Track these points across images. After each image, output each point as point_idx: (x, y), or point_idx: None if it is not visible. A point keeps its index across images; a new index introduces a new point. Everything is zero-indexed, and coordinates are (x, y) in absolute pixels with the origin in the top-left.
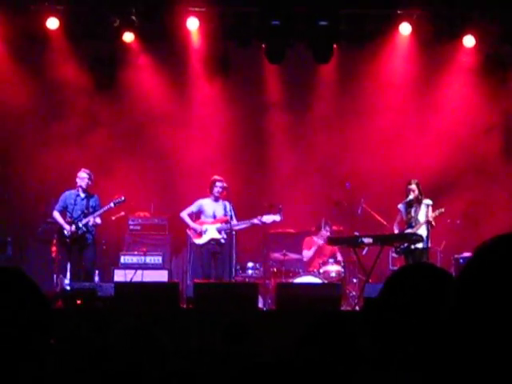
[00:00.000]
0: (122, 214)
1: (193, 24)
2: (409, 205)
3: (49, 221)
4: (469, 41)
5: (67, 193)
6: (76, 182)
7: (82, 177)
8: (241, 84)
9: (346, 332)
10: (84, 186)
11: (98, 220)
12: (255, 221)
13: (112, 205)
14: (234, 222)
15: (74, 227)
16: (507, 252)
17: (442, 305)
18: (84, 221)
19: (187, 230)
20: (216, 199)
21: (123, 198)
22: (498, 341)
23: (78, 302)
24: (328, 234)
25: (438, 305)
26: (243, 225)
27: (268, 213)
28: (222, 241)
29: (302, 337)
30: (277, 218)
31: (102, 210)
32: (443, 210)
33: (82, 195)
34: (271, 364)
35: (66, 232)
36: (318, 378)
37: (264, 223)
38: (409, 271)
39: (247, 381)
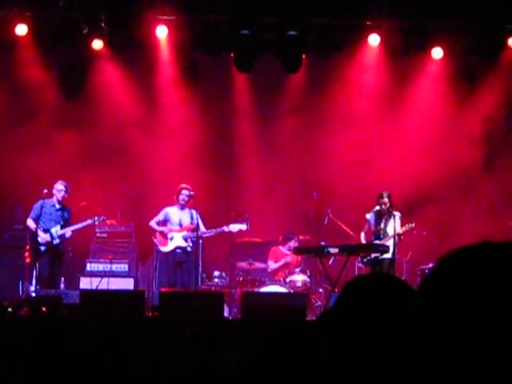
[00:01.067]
0: (89, 221)
1: (162, 32)
2: (378, 216)
3: (15, 227)
4: (437, 52)
5: (42, 202)
6: (51, 192)
7: (59, 189)
8: (210, 93)
9: (304, 342)
10: (60, 199)
11: (69, 233)
12: (222, 229)
13: (90, 222)
14: (202, 229)
15: (48, 236)
16: (468, 264)
17: (398, 314)
18: (60, 232)
19: (153, 238)
20: (182, 207)
21: (104, 218)
22: (458, 354)
23: (44, 309)
24: (292, 244)
25: (393, 314)
26: (209, 233)
27: (234, 221)
28: (188, 249)
29: (260, 347)
30: (243, 227)
31: (80, 225)
32: (413, 225)
33: (58, 206)
34: (229, 372)
35: (40, 240)
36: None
37: (230, 232)
38: (363, 280)
39: None
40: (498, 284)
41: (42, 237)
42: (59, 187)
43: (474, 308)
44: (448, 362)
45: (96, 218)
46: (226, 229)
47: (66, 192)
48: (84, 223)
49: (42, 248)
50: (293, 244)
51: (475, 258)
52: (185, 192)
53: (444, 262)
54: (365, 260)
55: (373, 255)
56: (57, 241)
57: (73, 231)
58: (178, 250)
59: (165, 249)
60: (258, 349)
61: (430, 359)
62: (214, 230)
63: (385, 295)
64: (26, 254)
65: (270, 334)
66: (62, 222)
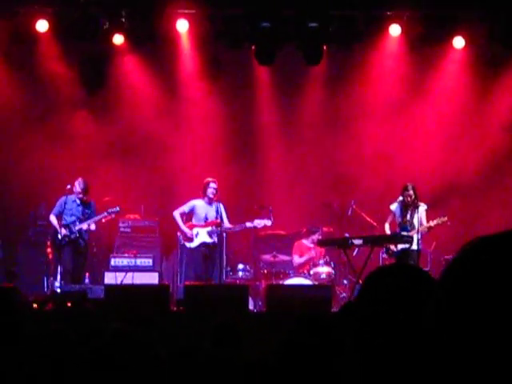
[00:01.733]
0: (113, 216)
1: (182, 26)
2: (404, 207)
3: (39, 223)
4: (458, 42)
5: (64, 198)
6: (72, 188)
7: (77, 188)
8: (232, 86)
9: (327, 334)
10: (81, 195)
11: (93, 226)
12: (246, 225)
13: (106, 214)
14: (226, 224)
15: (67, 231)
16: (490, 253)
17: (421, 305)
18: (78, 226)
19: (178, 233)
20: (209, 201)
21: (118, 209)
22: (482, 344)
23: (69, 304)
24: (315, 238)
25: (416, 305)
26: (234, 229)
27: (259, 217)
28: (212, 245)
29: (282, 339)
30: (268, 222)
31: (96, 218)
32: (445, 218)
33: (79, 202)
34: (254, 365)
35: (59, 236)
36: (299, 379)
37: (255, 227)
38: (384, 272)
39: (233, 381)
40: None
41: (62, 232)
42: (77, 186)
43: (495, 297)
44: (466, 352)
45: (110, 210)
46: (250, 224)
47: (82, 191)
48: (100, 215)
49: (63, 243)
50: (316, 237)
51: (498, 246)
52: (213, 185)
53: (466, 250)
54: (390, 251)
55: (399, 247)
56: (76, 235)
57: (89, 224)
58: (203, 246)
59: (190, 244)
60: (281, 341)
61: (448, 352)
62: (238, 226)
63: (406, 286)
64: (48, 250)
65: (293, 327)
66: (81, 217)
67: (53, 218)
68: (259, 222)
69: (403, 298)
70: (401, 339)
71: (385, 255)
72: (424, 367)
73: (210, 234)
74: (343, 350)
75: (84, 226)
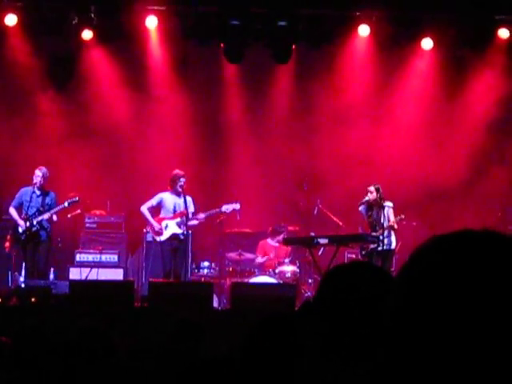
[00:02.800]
0: (78, 211)
1: (152, 23)
2: (369, 207)
3: (3, 218)
4: (427, 43)
5: (23, 190)
6: (32, 180)
7: (37, 175)
8: (200, 83)
9: (289, 332)
10: (38, 184)
11: (54, 217)
12: (215, 210)
13: (66, 204)
14: (197, 215)
15: (28, 224)
16: (444, 252)
17: (377, 302)
18: (38, 218)
19: (146, 229)
20: (177, 193)
21: (77, 198)
22: (435, 341)
23: (33, 299)
24: (280, 238)
25: (372, 301)
26: (204, 216)
27: (227, 202)
28: (182, 236)
29: (246, 337)
30: (236, 206)
31: (56, 209)
32: (403, 216)
33: (38, 192)
34: (214, 360)
35: (20, 229)
36: (259, 374)
37: (224, 212)
38: (342, 269)
39: (193, 377)
40: (474, 272)
41: (21, 224)
42: (37, 173)
43: (448, 298)
44: (420, 349)
45: (69, 200)
46: (219, 210)
47: (43, 177)
48: (60, 206)
49: (23, 236)
50: (282, 237)
51: (453, 245)
52: (182, 178)
53: (421, 248)
54: (363, 252)
55: (371, 247)
56: (37, 227)
57: (51, 215)
58: (174, 238)
59: (160, 238)
60: (244, 339)
61: (405, 351)
62: (207, 213)
63: (363, 283)
64: (7, 243)
65: (255, 325)
66: (41, 208)
67: (12, 211)
68: (227, 207)
69: (360, 295)
70: (358, 336)
71: (351, 255)
72: (382, 364)
73: (179, 224)
74: (303, 349)
75: (45, 216)
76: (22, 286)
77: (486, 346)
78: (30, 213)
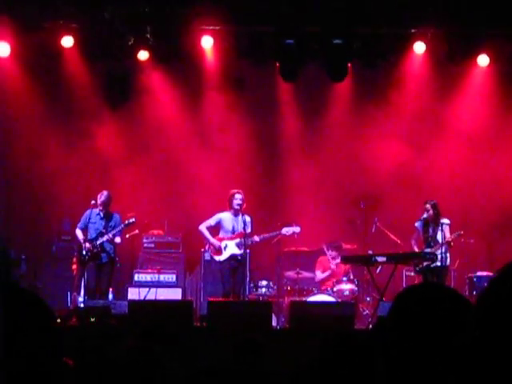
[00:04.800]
0: (136, 232)
1: (207, 42)
2: (425, 224)
3: (63, 238)
4: (483, 60)
5: (88, 211)
6: (95, 202)
7: (100, 197)
8: (256, 102)
9: (358, 352)
10: (101, 207)
11: (118, 239)
12: (276, 233)
13: (123, 225)
14: (255, 237)
15: (89, 246)
16: None
17: (454, 326)
18: (100, 240)
19: (204, 249)
20: (236, 213)
21: (134, 220)
22: None
23: (92, 319)
24: (334, 254)
25: (448, 325)
26: (263, 238)
27: (287, 225)
28: (240, 257)
29: (316, 357)
30: (296, 229)
31: (114, 231)
32: (462, 232)
33: (102, 215)
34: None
35: (84, 251)
36: None
37: (284, 235)
38: (414, 291)
39: None
40: None
41: (86, 246)
42: (99, 199)
43: None
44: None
45: (126, 221)
46: (279, 232)
47: (102, 203)
48: (118, 228)
49: (86, 258)
50: (335, 253)
51: None
52: (238, 196)
53: (503, 272)
54: (417, 269)
55: (425, 263)
56: (97, 249)
57: (112, 237)
58: (232, 259)
59: (219, 257)
60: (311, 357)
61: (490, 368)
62: (268, 235)
63: (436, 305)
64: (74, 266)
65: (322, 343)
66: (104, 230)
67: (78, 232)
68: (287, 230)
69: (434, 317)
70: (432, 358)
71: (409, 273)
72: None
73: (238, 245)
74: (375, 367)
75: (105, 238)
76: (81, 306)
77: None
78: (92, 234)
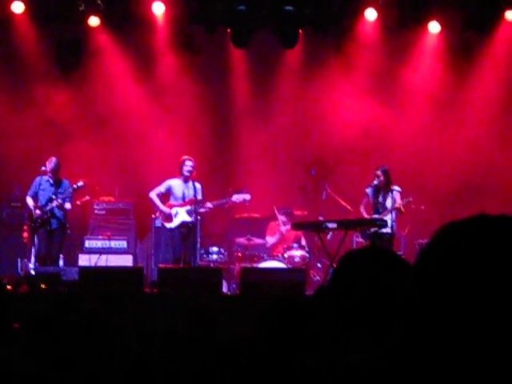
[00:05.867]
0: (87, 198)
1: (158, 9)
2: (376, 190)
3: (13, 205)
4: (434, 26)
5: (38, 178)
6: (44, 168)
7: (48, 164)
8: (207, 68)
9: (302, 316)
10: (50, 174)
11: (68, 205)
12: (226, 200)
13: (71, 190)
14: (207, 203)
15: (39, 212)
16: (463, 236)
17: (392, 287)
18: (49, 206)
19: (154, 215)
20: (186, 180)
21: (81, 184)
22: (458, 329)
23: (43, 286)
24: (284, 219)
25: (386, 286)
26: (213, 205)
27: (237, 192)
28: (190, 224)
29: (258, 322)
30: (247, 196)
31: (62, 196)
32: (411, 199)
33: (51, 181)
34: (230, 345)
35: (34, 217)
36: (274, 357)
37: (234, 202)
38: (357, 254)
39: (210, 363)
40: (492, 257)
41: (36, 213)
42: (48, 165)
43: (466, 281)
44: (438, 336)
45: (74, 185)
46: (229, 199)
47: (52, 170)
48: (66, 193)
49: (37, 224)
50: (284, 218)
51: (470, 229)
52: (189, 163)
53: (440, 234)
54: (364, 234)
55: (372, 229)
56: (47, 215)
57: (61, 202)
58: (183, 225)
59: (170, 225)
60: (256, 324)
61: (429, 328)
62: (217, 202)
63: (378, 268)
64: (25, 233)
65: (267, 309)
66: (53, 197)
67: (29, 200)
68: (238, 197)
69: (375, 281)
70: (373, 322)
71: (359, 239)
72: (401, 347)
73: (188, 212)
74: (318, 334)
75: (54, 204)
76: (32, 273)
77: (503, 328)
78: (42, 201)
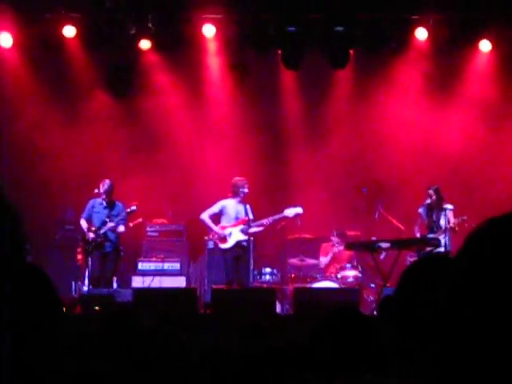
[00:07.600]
0: (140, 220)
1: (209, 31)
2: (429, 209)
3: (67, 228)
4: (485, 45)
5: (92, 201)
6: (97, 190)
7: (103, 187)
8: (258, 90)
9: (362, 323)
10: (104, 196)
11: (121, 228)
12: (278, 216)
13: (124, 214)
14: (262, 220)
15: (93, 235)
16: (500, 232)
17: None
18: (103, 229)
19: (207, 237)
20: (240, 201)
21: (135, 208)
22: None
23: (96, 307)
24: (337, 240)
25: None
26: (267, 222)
27: (289, 206)
28: (245, 244)
29: (317, 326)
30: (299, 210)
31: (116, 220)
32: (465, 217)
33: (105, 204)
34: (284, 350)
35: (88, 239)
36: (331, 366)
37: (287, 217)
38: (423, 263)
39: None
40: None
41: (90, 236)
42: (102, 188)
43: (505, 276)
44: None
45: (128, 210)
46: (282, 215)
47: (105, 192)
48: (119, 216)
49: (90, 247)
50: (336, 239)
51: (507, 225)
52: (246, 186)
53: (475, 231)
54: (420, 254)
55: (428, 249)
56: (101, 238)
57: (115, 226)
58: (237, 246)
59: (225, 245)
60: (313, 333)
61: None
62: (271, 218)
63: (440, 274)
64: (79, 256)
65: (327, 316)
66: (107, 219)
67: (83, 222)
68: (289, 211)
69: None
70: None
71: (413, 258)
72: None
73: (243, 231)
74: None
75: (108, 227)
76: (86, 294)
77: None
78: (96, 224)
